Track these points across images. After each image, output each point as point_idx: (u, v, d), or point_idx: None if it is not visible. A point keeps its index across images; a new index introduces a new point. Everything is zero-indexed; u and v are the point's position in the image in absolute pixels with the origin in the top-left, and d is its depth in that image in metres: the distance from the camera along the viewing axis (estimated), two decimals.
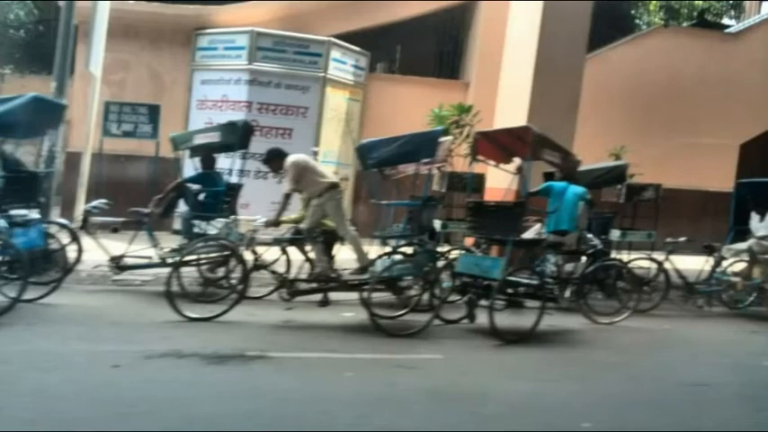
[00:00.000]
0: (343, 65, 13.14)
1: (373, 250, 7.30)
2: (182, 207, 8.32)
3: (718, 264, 9.13)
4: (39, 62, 13.16)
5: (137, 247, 7.76)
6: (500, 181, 8.37)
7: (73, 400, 4.29)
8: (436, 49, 15.11)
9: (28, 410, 4.01)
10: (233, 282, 7.21)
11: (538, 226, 7.83)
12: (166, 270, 7.10)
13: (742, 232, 9.27)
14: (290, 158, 7.20)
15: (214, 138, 8.00)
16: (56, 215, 8.92)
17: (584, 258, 8.40)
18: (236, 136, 7.83)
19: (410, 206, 7.54)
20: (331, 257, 7.44)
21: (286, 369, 5.33)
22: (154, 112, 11.31)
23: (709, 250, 9.20)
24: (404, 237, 7.46)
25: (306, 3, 13.25)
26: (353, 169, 12.95)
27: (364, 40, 13.58)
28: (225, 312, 6.62)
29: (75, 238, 7.72)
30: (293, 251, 7.75)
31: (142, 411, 4.11)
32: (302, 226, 7.29)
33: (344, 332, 6.57)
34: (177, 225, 9.04)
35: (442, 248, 8.17)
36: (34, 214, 7.26)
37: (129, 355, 5.22)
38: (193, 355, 5.34)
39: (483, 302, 6.77)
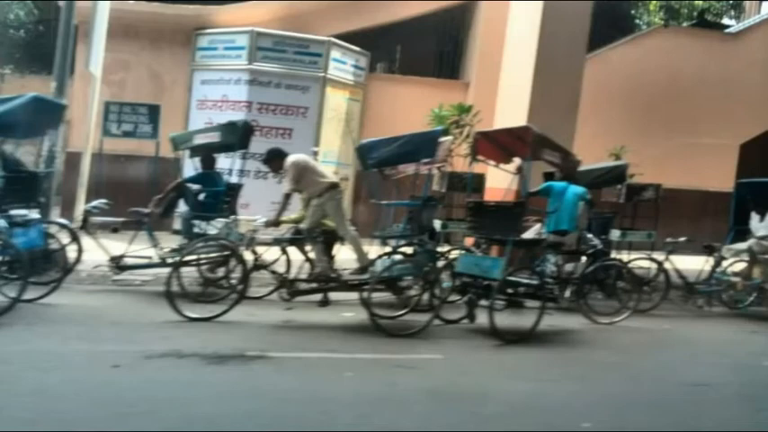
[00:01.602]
0: (343, 65, 13.15)
1: (373, 250, 7.30)
2: (182, 207, 8.32)
3: (718, 264, 9.13)
4: (39, 62, 13.16)
5: (137, 247, 7.76)
6: (500, 181, 8.37)
7: (73, 400, 4.29)
8: (436, 49, 15.11)
9: (28, 410, 4.01)
10: (233, 282, 7.21)
11: (538, 226, 7.83)
12: (166, 270, 7.10)
13: (742, 232, 9.27)
14: (290, 158, 7.20)
15: (214, 138, 8.00)
16: (56, 215, 8.92)
17: (584, 258, 8.40)
18: (236, 136, 7.83)
19: (410, 206, 7.54)
20: (331, 257, 7.44)
21: (286, 369, 5.33)
22: (154, 112, 11.31)
23: (709, 250, 9.20)
24: (404, 237, 7.46)
25: (306, 3, 13.26)
26: (353, 169, 12.95)
27: (364, 40, 13.58)
28: (225, 312, 6.62)
29: (75, 238, 7.72)
30: (293, 251, 7.75)
31: (142, 411, 4.12)
32: (302, 226, 7.29)
33: (344, 332, 6.57)
34: (177, 225, 9.04)
35: (442, 248, 8.17)
36: (34, 214, 7.26)
37: (129, 355, 5.22)
38: (193, 355, 5.34)
39: (483, 302, 6.77)
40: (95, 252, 7.73)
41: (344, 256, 7.41)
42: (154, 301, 7.14)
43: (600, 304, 8.23)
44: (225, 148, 8.02)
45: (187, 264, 7.40)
